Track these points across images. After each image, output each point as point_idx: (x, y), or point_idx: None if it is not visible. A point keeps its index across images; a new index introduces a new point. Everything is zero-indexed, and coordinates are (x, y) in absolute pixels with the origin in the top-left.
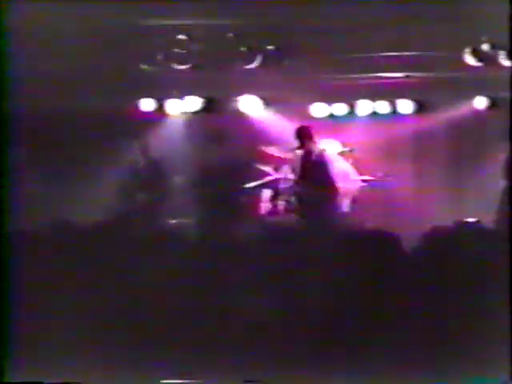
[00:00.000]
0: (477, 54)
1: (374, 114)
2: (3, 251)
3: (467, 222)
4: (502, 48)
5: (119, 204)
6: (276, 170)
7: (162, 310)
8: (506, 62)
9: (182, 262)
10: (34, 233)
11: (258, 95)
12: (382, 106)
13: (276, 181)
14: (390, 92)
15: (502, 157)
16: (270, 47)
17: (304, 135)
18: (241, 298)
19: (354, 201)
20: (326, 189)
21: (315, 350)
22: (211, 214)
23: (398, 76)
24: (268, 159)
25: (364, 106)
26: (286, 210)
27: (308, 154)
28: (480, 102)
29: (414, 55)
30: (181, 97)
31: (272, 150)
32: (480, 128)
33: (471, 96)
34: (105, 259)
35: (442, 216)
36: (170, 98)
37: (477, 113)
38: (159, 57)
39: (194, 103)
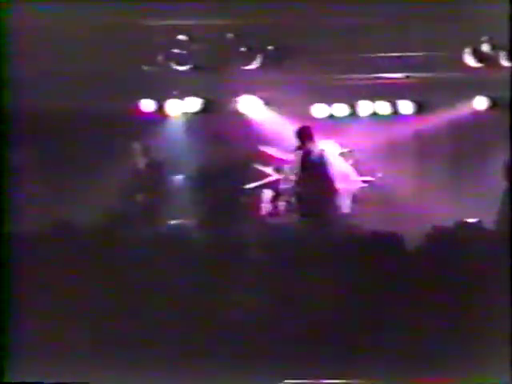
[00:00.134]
0: (477, 54)
1: (375, 114)
2: (3, 251)
3: (467, 223)
4: (502, 48)
5: (119, 204)
6: (276, 170)
7: (162, 310)
8: (506, 63)
9: (182, 262)
10: (34, 233)
11: (258, 96)
12: (383, 107)
13: (276, 181)
14: (390, 92)
15: (502, 157)
16: (270, 47)
17: (304, 136)
18: (240, 298)
19: (354, 201)
20: (326, 189)
21: (312, 346)
22: (211, 215)
23: (399, 76)
24: (268, 160)
25: (364, 107)
26: (287, 210)
27: (308, 154)
28: (480, 103)
29: (414, 56)
30: (181, 97)
31: (272, 151)
32: (480, 128)
33: (471, 96)
34: (105, 259)
35: (442, 216)
36: (170, 98)
37: (477, 113)
38: (159, 57)
39: (194, 104)
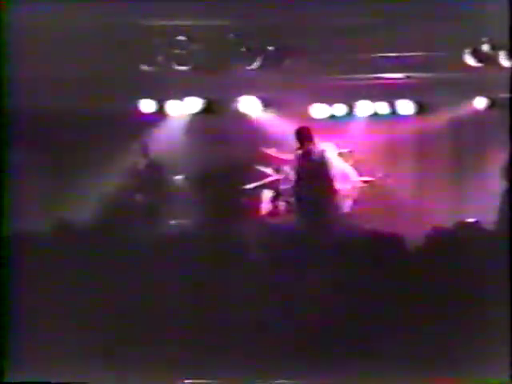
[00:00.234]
0: (477, 54)
1: (375, 114)
2: (3, 251)
3: (467, 222)
4: (502, 48)
5: (120, 205)
6: (276, 170)
7: (161, 310)
8: (505, 63)
9: (182, 262)
10: (33, 233)
11: (258, 96)
12: (382, 107)
13: (276, 182)
14: (390, 93)
15: (502, 157)
16: (270, 48)
17: (304, 136)
18: (240, 297)
19: (354, 201)
20: (326, 189)
21: (310, 347)
22: (211, 215)
23: (399, 77)
24: (268, 160)
25: (364, 107)
26: (287, 210)
27: (308, 154)
28: (480, 103)
29: (414, 56)
30: (181, 98)
31: (272, 151)
32: (480, 128)
33: (471, 96)
34: (105, 260)
35: (442, 216)
36: (170, 98)
37: (477, 113)
38: (159, 57)
39: (194, 104)
